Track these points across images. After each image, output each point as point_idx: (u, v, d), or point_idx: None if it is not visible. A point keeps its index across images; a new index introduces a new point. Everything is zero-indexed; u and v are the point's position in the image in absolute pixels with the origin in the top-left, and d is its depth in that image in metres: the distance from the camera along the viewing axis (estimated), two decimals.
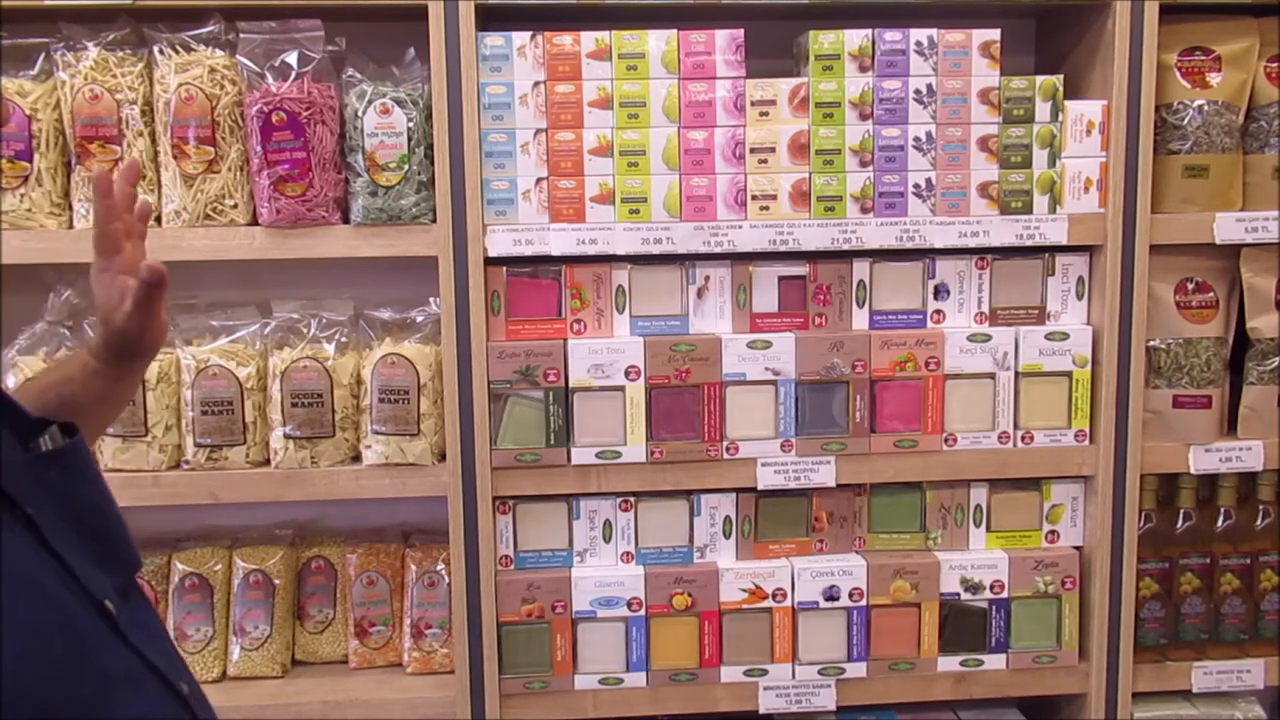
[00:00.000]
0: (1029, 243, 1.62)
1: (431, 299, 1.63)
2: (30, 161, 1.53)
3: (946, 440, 1.64)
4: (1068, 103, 1.61)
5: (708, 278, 1.62)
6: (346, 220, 1.58)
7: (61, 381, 1.06)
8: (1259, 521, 1.71)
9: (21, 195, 1.53)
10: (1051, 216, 1.62)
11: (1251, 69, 1.64)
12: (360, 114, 1.54)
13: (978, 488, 1.68)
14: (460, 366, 1.57)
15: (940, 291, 1.64)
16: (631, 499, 1.63)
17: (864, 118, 1.58)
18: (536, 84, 1.54)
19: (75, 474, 0.79)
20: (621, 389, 1.59)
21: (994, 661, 1.68)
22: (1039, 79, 1.60)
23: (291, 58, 1.53)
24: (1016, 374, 1.64)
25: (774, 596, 1.64)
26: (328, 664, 1.73)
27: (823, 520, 1.67)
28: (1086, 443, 1.66)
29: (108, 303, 1.04)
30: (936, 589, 1.66)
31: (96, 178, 1.02)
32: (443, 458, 1.61)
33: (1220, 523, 1.71)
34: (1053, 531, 1.70)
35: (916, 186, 1.60)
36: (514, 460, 1.59)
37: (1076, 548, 1.70)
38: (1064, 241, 1.62)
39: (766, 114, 1.57)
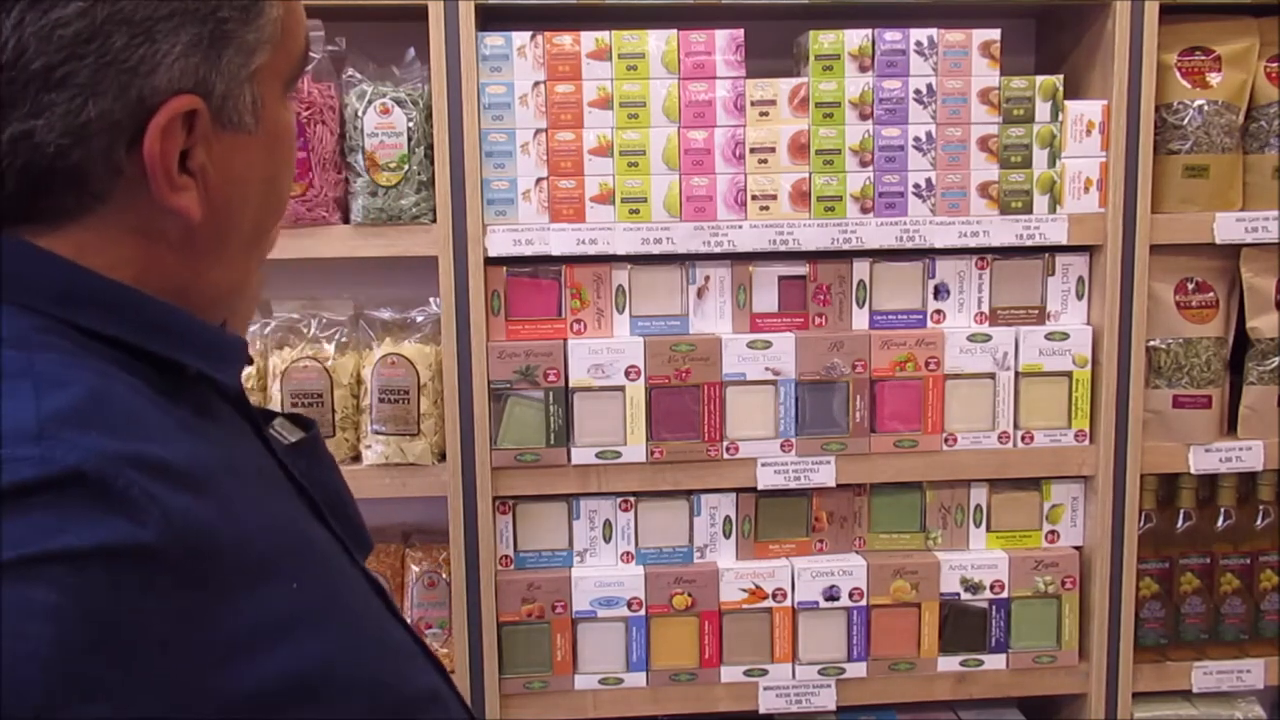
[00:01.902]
0: (1029, 243, 1.62)
1: (431, 299, 1.63)
2: None
3: (946, 440, 1.64)
4: (1068, 103, 1.61)
5: (708, 278, 1.62)
6: (346, 220, 1.59)
7: None
8: (1259, 521, 1.71)
9: None
10: (1051, 216, 1.62)
11: (1251, 69, 1.64)
12: (360, 114, 1.54)
13: (978, 488, 1.68)
14: (460, 366, 1.57)
15: (940, 291, 1.64)
16: (631, 499, 1.63)
17: (864, 118, 1.58)
18: (536, 84, 1.54)
19: (320, 462, 0.81)
20: (621, 389, 1.59)
21: (994, 661, 1.68)
22: (1039, 79, 1.60)
23: None
24: (1016, 374, 1.64)
25: (774, 596, 1.64)
26: None
27: (823, 520, 1.67)
28: (1086, 443, 1.66)
29: None
30: (936, 589, 1.66)
31: None
32: (443, 458, 1.61)
33: (1220, 523, 1.71)
34: (1053, 531, 1.70)
35: (916, 186, 1.60)
36: (514, 460, 1.59)
37: (1076, 548, 1.70)
38: (1064, 241, 1.62)
39: (766, 114, 1.57)
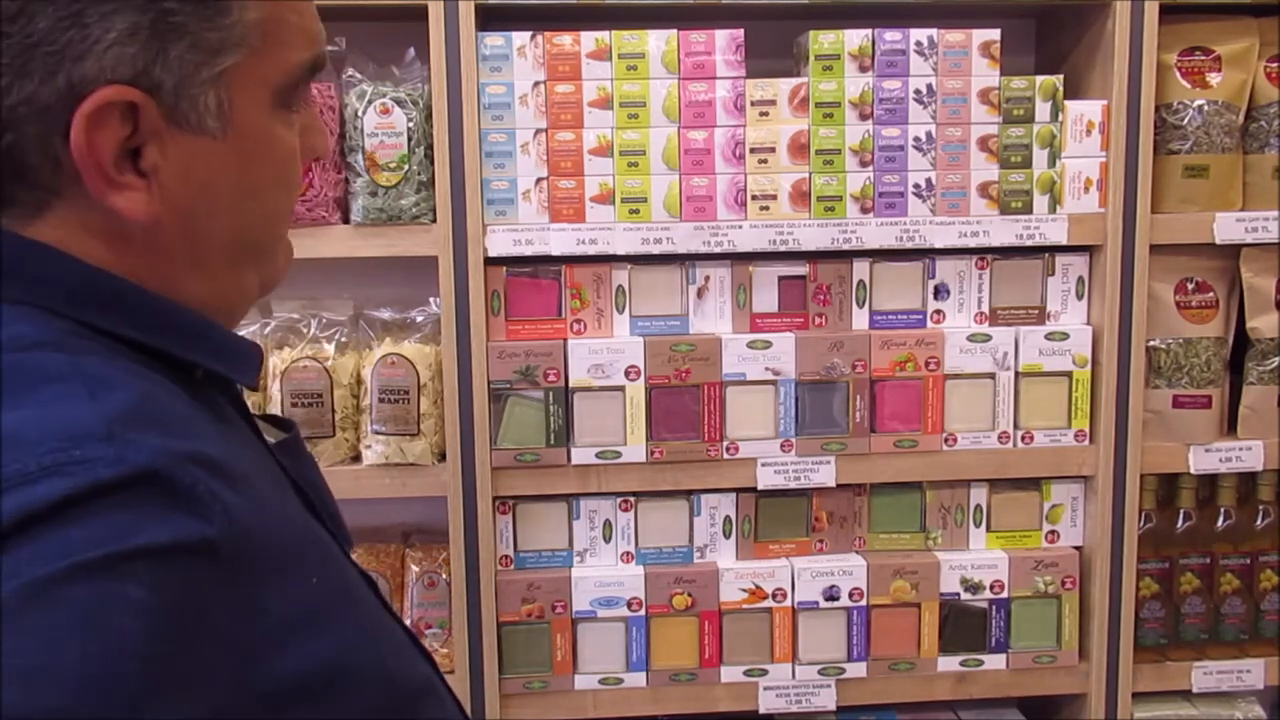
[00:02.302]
0: (1029, 243, 1.62)
1: (431, 299, 1.63)
2: None
3: (946, 440, 1.64)
4: (1068, 103, 1.61)
5: (708, 278, 1.62)
6: (346, 220, 1.59)
7: None
8: (1259, 521, 1.71)
9: None
10: (1051, 216, 1.62)
11: (1251, 69, 1.64)
12: (360, 114, 1.54)
13: (978, 488, 1.68)
14: (460, 366, 1.57)
15: (940, 291, 1.64)
16: (631, 499, 1.63)
17: (864, 118, 1.58)
18: (536, 84, 1.54)
19: (304, 461, 0.82)
20: (621, 389, 1.59)
21: (994, 661, 1.68)
22: (1039, 79, 1.60)
23: None
24: (1016, 374, 1.64)
25: (774, 596, 1.64)
26: None
27: (823, 520, 1.67)
28: (1086, 443, 1.66)
29: None
30: (936, 589, 1.66)
31: None
32: (443, 458, 1.61)
33: (1220, 523, 1.71)
34: (1053, 531, 1.70)
35: (916, 186, 1.60)
36: (514, 460, 1.59)
37: (1076, 548, 1.70)
38: (1064, 241, 1.62)
39: (766, 114, 1.57)
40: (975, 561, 1.66)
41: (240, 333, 1.65)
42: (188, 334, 0.65)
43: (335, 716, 0.60)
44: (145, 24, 0.58)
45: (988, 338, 1.63)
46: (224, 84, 0.62)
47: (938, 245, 1.61)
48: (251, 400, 1.61)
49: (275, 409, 1.59)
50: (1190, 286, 1.68)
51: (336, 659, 0.61)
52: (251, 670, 0.55)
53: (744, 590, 1.64)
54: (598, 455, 1.60)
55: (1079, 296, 1.66)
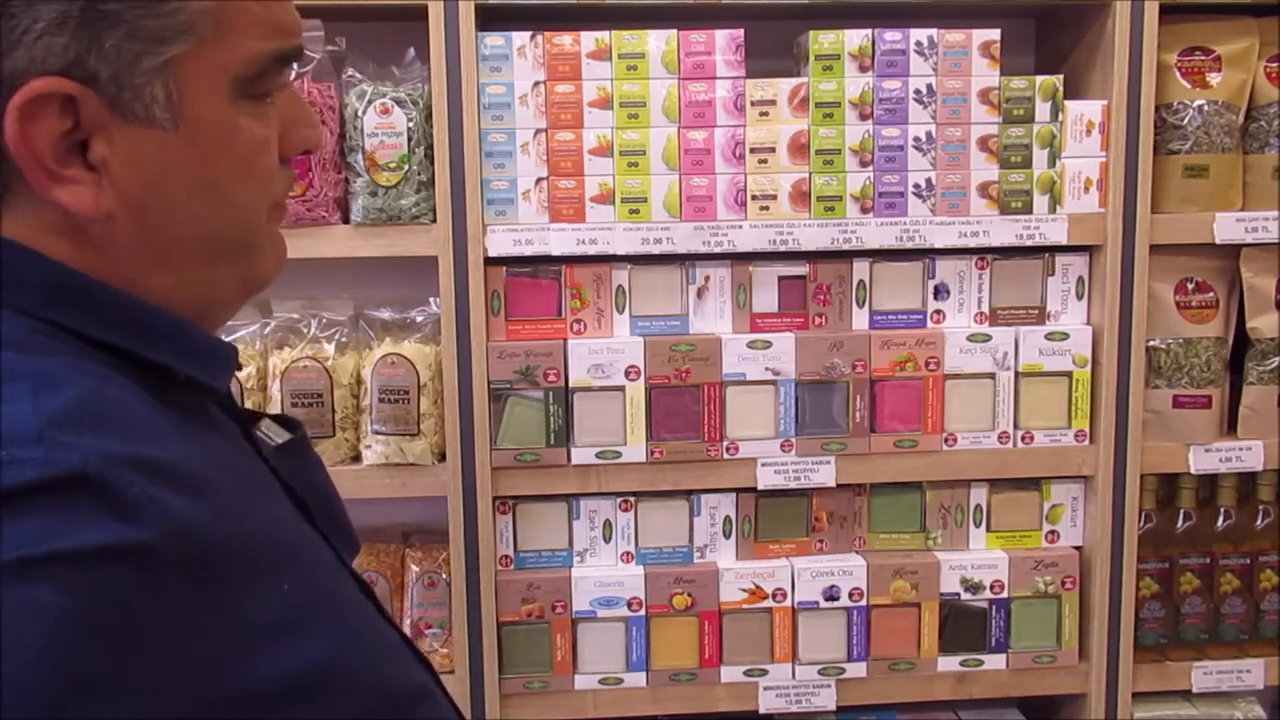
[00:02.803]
0: (1029, 243, 1.62)
1: (431, 299, 1.63)
2: None
3: (946, 440, 1.64)
4: (1068, 103, 1.61)
5: (708, 278, 1.62)
6: (346, 220, 1.59)
7: None
8: (1259, 521, 1.71)
9: None
10: (1051, 216, 1.62)
11: (1251, 69, 1.64)
12: (360, 114, 1.54)
13: (978, 488, 1.68)
14: (460, 366, 1.57)
15: (940, 291, 1.64)
16: (631, 499, 1.63)
17: (864, 118, 1.58)
18: (536, 84, 1.54)
19: (306, 463, 0.81)
20: (621, 389, 1.59)
21: (994, 661, 1.68)
22: (1039, 79, 1.60)
23: None
24: (1016, 374, 1.64)
25: (774, 596, 1.64)
26: None
27: (823, 520, 1.67)
28: (1086, 443, 1.66)
29: None
30: (936, 589, 1.66)
31: None
32: (443, 458, 1.61)
33: (1220, 523, 1.71)
34: (1053, 531, 1.70)
35: (916, 186, 1.60)
36: (514, 460, 1.59)
37: (1076, 548, 1.70)
38: (1064, 241, 1.62)
39: (766, 114, 1.57)
40: (975, 561, 1.66)
41: (240, 333, 1.65)
42: (155, 333, 0.64)
43: None
44: (74, 13, 0.56)
45: (988, 338, 1.63)
46: (171, 74, 0.60)
47: (938, 245, 1.61)
48: (251, 400, 1.61)
49: (275, 409, 1.59)
50: (1190, 286, 1.68)
51: (320, 664, 0.60)
52: (215, 676, 0.54)
53: (744, 590, 1.64)
54: (598, 455, 1.60)
55: (1079, 296, 1.66)
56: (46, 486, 0.51)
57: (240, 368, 0.74)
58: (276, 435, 0.82)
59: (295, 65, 0.70)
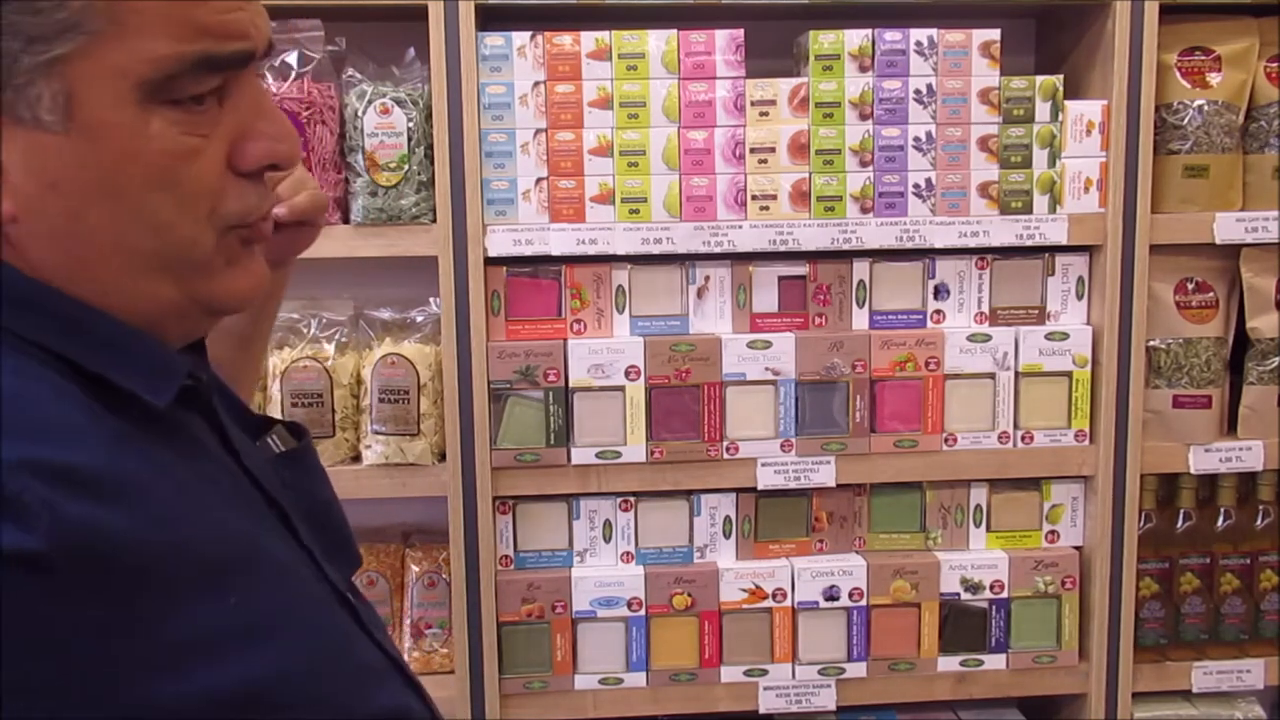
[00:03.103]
0: (1029, 243, 1.62)
1: (431, 299, 1.63)
2: None
3: (946, 440, 1.64)
4: (1068, 103, 1.61)
5: (708, 278, 1.62)
6: (346, 220, 1.59)
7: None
8: (1259, 521, 1.71)
9: None
10: (1051, 216, 1.62)
11: (1251, 69, 1.64)
12: (360, 114, 1.54)
13: (978, 488, 1.68)
14: (460, 366, 1.57)
15: (940, 291, 1.64)
16: (631, 499, 1.63)
17: (864, 118, 1.58)
18: (536, 84, 1.54)
19: (308, 472, 0.80)
20: (621, 389, 1.59)
21: (994, 661, 1.68)
22: (1039, 79, 1.60)
23: (291, 58, 1.53)
24: (1016, 374, 1.64)
25: (774, 596, 1.64)
26: None
27: (823, 520, 1.67)
28: (1086, 443, 1.66)
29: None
30: (936, 589, 1.66)
31: None
32: (443, 458, 1.61)
33: (1220, 523, 1.71)
34: (1053, 531, 1.70)
35: (916, 186, 1.60)
36: (514, 460, 1.59)
37: (1076, 548, 1.70)
38: (1064, 241, 1.62)
39: (766, 114, 1.57)
40: (975, 561, 1.66)
41: None
42: (92, 340, 0.61)
43: None
44: None
45: (988, 338, 1.63)
46: (59, 74, 0.57)
47: (938, 245, 1.61)
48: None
49: (275, 409, 1.59)
50: (1190, 286, 1.68)
51: (252, 684, 0.59)
52: (128, 691, 0.53)
53: (744, 590, 1.64)
54: (598, 455, 1.60)
55: (1079, 296, 1.66)
56: None
57: (199, 380, 0.71)
58: (283, 443, 0.80)
59: (246, 68, 0.66)
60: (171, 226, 0.63)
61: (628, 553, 1.65)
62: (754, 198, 1.58)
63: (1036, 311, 1.66)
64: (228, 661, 0.58)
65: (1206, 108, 1.62)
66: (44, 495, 0.52)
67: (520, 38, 1.54)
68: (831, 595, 1.64)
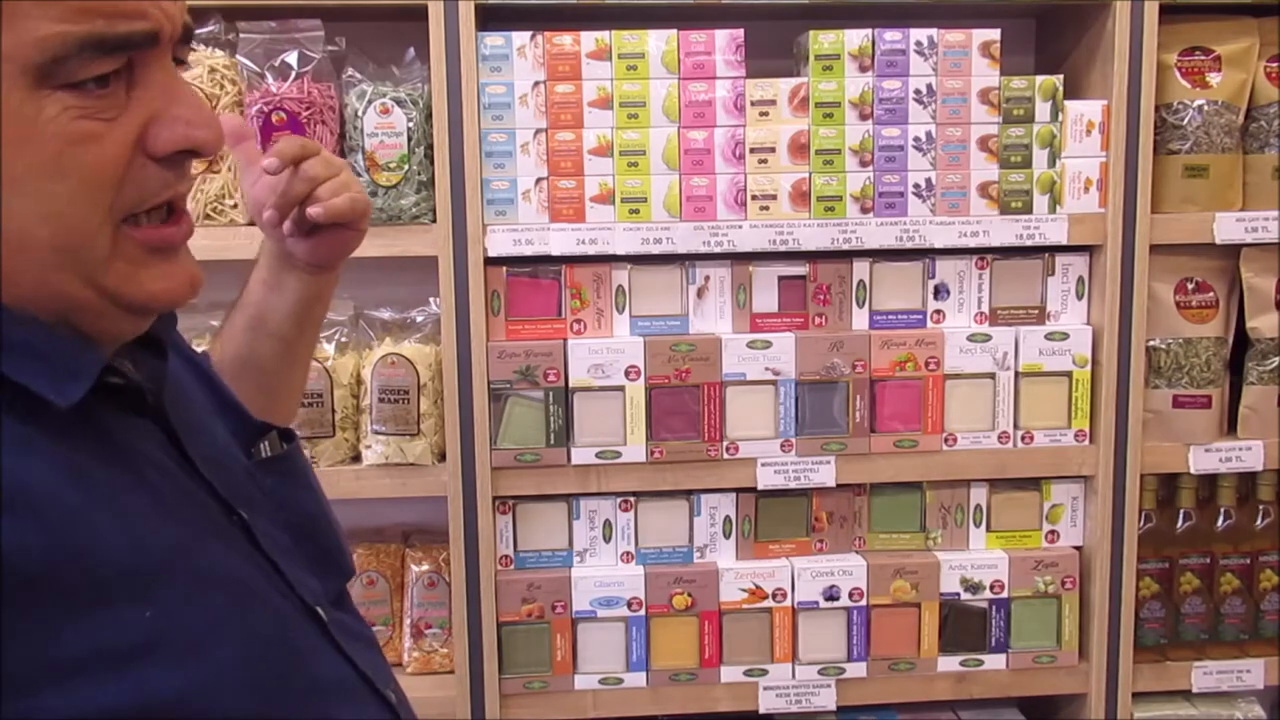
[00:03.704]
0: (1029, 243, 1.62)
1: (431, 299, 1.63)
2: None
3: (946, 440, 1.64)
4: (1068, 103, 1.61)
5: (708, 278, 1.62)
6: None
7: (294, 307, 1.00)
8: (1259, 521, 1.71)
9: None
10: (1051, 216, 1.62)
11: (1251, 69, 1.64)
12: (360, 114, 1.54)
13: (978, 488, 1.68)
14: (460, 366, 1.57)
15: (940, 291, 1.64)
16: (631, 499, 1.63)
17: (864, 118, 1.58)
18: (536, 84, 1.54)
19: (292, 480, 0.79)
20: (621, 389, 1.59)
21: (994, 661, 1.68)
22: (1039, 79, 1.60)
23: (291, 58, 1.53)
24: (1016, 374, 1.64)
25: (774, 596, 1.64)
26: None
27: (823, 520, 1.67)
28: (1086, 443, 1.66)
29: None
30: (936, 589, 1.66)
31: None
32: (443, 458, 1.61)
33: (1220, 523, 1.71)
34: (1053, 531, 1.70)
35: (916, 186, 1.60)
36: (514, 460, 1.59)
37: (1076, 548, 1.70)
38: (1064, 241, 1.62)
39: (766, 114, 1.57)
40: (975, 561, 1.66)
41: None
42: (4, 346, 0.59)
43: None
44: None
45: (988, 338, 1.63)
46: None
47: (938, 245, 1.61)
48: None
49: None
50: (1190, 286, 1.68)
51: (156, 701, 0.57)
52: (11, 704, 0.52)
53: (744, 590, 1.64)
54: (598, 455, 1.60)
55: (1079, 296, 1.66)
56: None
57: (128, 379, 0.68)
58: (272, 448, 0.80)
59: (153, 50, 0.63)
60: (62, 215, 0.61)
61: (628, 553, 1.65)
62: (754, 198, 1.58)
63: (1036, 311, 1.66)
64: (126, 678, 0.56)
65: (1206, 108, 1.62)
66: None
67: (520, 38, 1.54)
68: (831, 595, 1.64)
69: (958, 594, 1.66)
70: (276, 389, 0.99)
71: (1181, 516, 1.70)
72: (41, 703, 0.53)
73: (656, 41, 1.55)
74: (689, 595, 1.63)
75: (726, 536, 1.65)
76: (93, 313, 0.64)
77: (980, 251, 1.64)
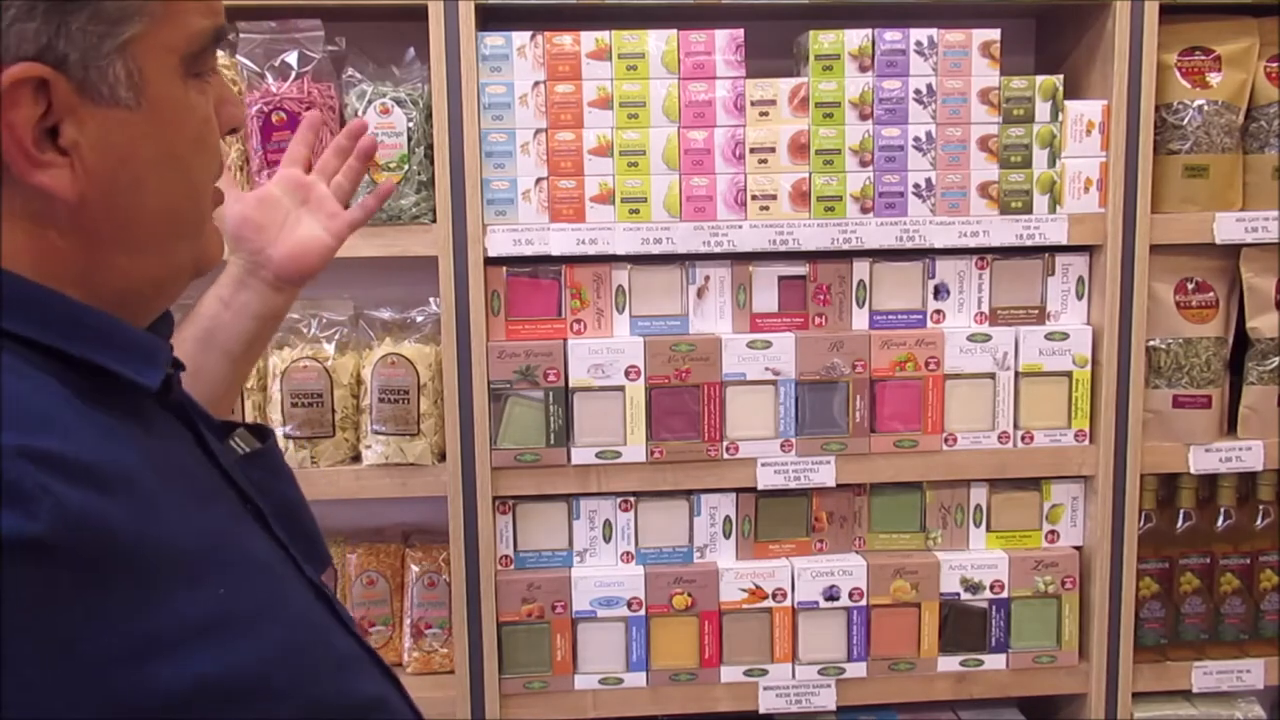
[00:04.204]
0: (1029, 243, 1.62)
1: (431, 299, 1.63)
2: None
3: (946, 440, 1.64)
4: (1068, 103, 1.61)
5: (708, 278, 1.62)
6: None
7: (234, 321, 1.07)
8: (1259, 521, 1.71)
9: None
10: (1051, 216, 1.62)
11: (1251, 69, 1.64)
12: (360, 114, 1.54)
13: (978, 488, 1.68)
14: (460, 366, 1.57)
15: (940, 291, 1.64)
16: (631, 499, 1.63)
17: (864, 118, 1.58)
18: (536, 84, 1.54)
19: (275, 473, 0.82)
20: (621, 389, 1.59)
21: (994, 661, 1.68)
22: (1039, 79, 1.60)
23: (291, 58, 1.53)
24: (1016, 374, 1.64)
25: (774, 596, 1.64)
26: None
27: (823, 520, 1.67)
28: (1086, 443, 1.66)
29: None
30: (936, 589, 1.66)
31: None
32: (443, 458, 1.61)
33: (1220, 523, 1.71)
34: (1053, 531, 1.70)
35: (916, 186, 1.60)
36: (514, 460, 1.59)
37: (1076, 548, 1.70)
38: (1064, 241, 1.62)
39: (766, 114, 1.57)
40: (975, 561, 1.66)
41: None
42: (82, 330, 0.63)
43: None
44: None
45: (988, 338, 1.63)
46: (130, 53, 0.62)
47: (938, 245, 1.61)
48: (251, 400, 1.61)
49: (275, 409, 1.59)
50: (1190, 286, 1.68)
51: (239, 672, 0.60)
52: (113, 679, 0.54)
53: (744, 590, 1.64)
54: (598, 455, 1.60)
55: (1079, 296, 1.66)
56: None
57: (180, 366, 0.75)
58: (247, 444, 0.82)
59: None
60: (204, 188, 0.71)
61: (628, 553, 1.65)
62: (754, 198, 1.58)
63: (1036, 311, 1.66)
64: (215, 650, 0.59)
65: (1206, 108, 1.62)
66: (43, 482, 0.53)
67: (520, 38, 1.54)
68: (831, 595, 1.64)
69: (958, 594, 1.66)
70: (213, 401, 1.01)
71: (1181, 516, 1.70)
72: (143, 677, 0.55)
73: (656, 41, 1.55)
74: (689, 595, 1.63)
75: (726, 536, 1.65)
76: (175, 282, 0.72)
77: (980, 251, 1.64)
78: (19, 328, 0.61)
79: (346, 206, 1.15)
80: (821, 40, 1.57)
